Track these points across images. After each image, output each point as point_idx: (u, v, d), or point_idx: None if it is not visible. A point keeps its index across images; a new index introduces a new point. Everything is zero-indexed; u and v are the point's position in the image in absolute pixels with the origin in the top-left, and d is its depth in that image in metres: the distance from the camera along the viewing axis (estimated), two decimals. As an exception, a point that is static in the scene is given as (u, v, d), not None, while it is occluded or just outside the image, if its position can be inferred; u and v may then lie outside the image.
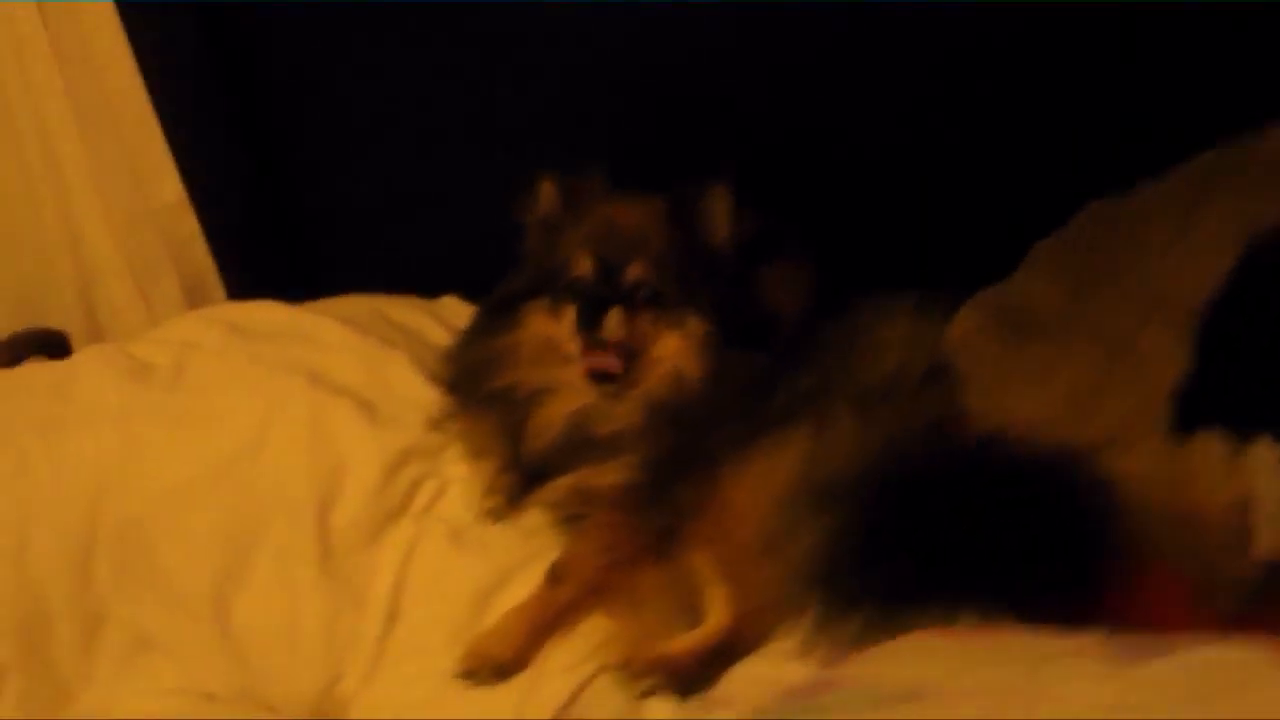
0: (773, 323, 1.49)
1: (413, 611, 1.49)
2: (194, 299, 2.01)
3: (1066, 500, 1.19)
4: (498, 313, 1.62)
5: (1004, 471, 1.22)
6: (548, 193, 1.59)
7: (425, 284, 1.93)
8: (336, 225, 2.04)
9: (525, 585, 1.46)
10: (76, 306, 2.05)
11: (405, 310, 1.82)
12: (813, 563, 1.28)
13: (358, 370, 1.66)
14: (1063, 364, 1.32)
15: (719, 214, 1.49)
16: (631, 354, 1.48)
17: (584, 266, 1.51)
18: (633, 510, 1.45)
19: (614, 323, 1.46)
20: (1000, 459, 1.24)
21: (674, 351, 1.48)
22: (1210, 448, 1.21)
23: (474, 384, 1.62)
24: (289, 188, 2.01)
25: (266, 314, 1.77)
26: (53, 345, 2.04)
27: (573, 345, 1.51)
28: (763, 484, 1.36)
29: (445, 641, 1.44)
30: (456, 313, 1.84)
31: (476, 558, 1.51)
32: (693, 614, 1.39)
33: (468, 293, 1.89)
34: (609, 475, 1.47)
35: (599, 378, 1.49)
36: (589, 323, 1.46)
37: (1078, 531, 1.18)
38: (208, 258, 1.99)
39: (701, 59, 1.73)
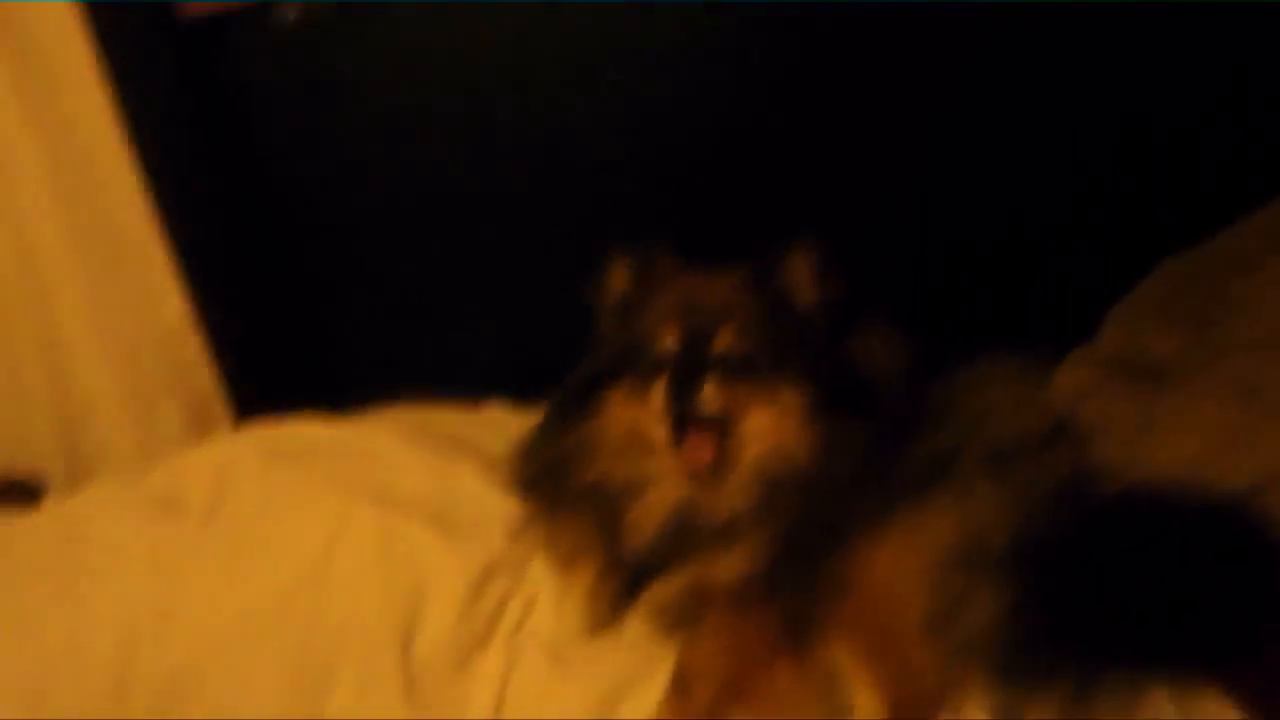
0: (872, 390, 1.43)
1: (517, 743, 1.33)
2: (198, 429, 1.84)
3: (1239, 548, 1.14)
4: (573, 403, 1.51)
5: (1174, 521, 1.17)
6: (620, 271, 1.53)
7: (457, 393, 1.81)
8: (355, 338, 1.92)
9: (643, 703, 1.32)
10: (56, 444, 1.86)
11: (451, 421, 1.70)
12: (986, 639, 1.19)
13: (423, 482, 1.52)
14: (1197, 410, 1.29)
15: (804, 276, 1.44)
16: (725, 431, 1.39)
17: (669, 339, 1.42)
18: (758, 602, 1.34)
19: (710, 393, 1.37)
20: (1167, 508, 1.19)
21: (772, 425, 1.40)
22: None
23: (555, 484, 1.50)
24: (302, 300, 1.89)
25: (307, 431, 1.63)
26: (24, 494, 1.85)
27: (661, 431, 1.41)
28: (908, 557, 1.28)
29: (558, 774, 1.29)
30: (505, 419, 1.73)
31: (582, 678, 1.36)
32: (842, 711, 1.28)
33: (510, 396, 1.78)
34: (727, 566, 1.36)
35: (693, 472, 1.40)
36: (681, 394, 1.37)
37: (1254, 581, 1.13)
38: (213, 382, 1.84)
39: (748, 129, 1.70)
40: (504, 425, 1.68)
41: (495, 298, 1.86)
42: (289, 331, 1.89)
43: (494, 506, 1.51)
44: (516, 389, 1.78)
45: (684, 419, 1.38)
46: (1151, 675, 1.13)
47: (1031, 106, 1.58)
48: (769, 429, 1.39)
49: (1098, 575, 1.17)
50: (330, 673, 1.37)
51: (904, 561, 1.28)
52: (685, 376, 1.38)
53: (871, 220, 1.64)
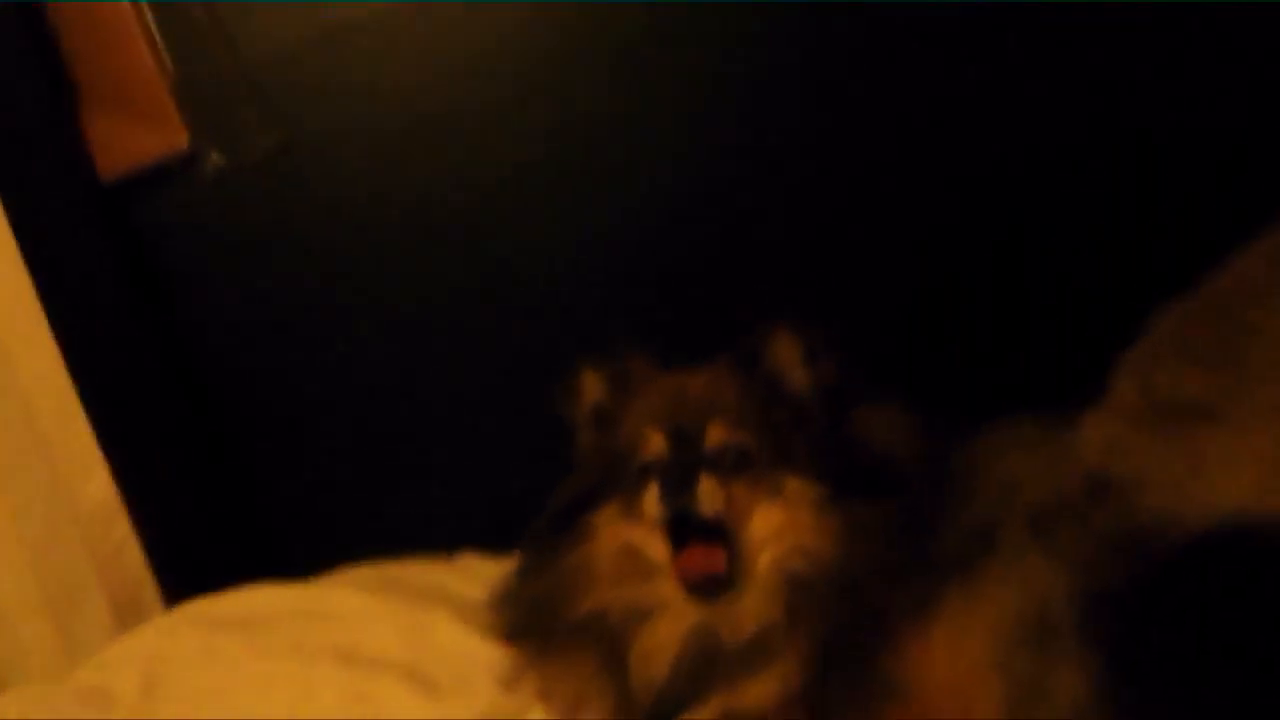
0: (886, 470, 1.29)
1: None
2: (125, 623, 1.62)
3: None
4: (556, 533, 1.35)
5: (1254, 558, 1.04)
6: (592, 382, 1.39)
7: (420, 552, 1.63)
8: (301, 507, 1.74)
9: None
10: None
11: (418, 573, 1.51)
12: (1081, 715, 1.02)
13: (392, 639, 1.32)
14: (1248, 443, 1.18)
15: (791, 358, 1.30)
16: (730, 537, 1.23)
17: (655, 442, 1.27)
18: (801, 724, 1.16)
19: (707, 488, 1.20)
20: (1243, 545, 1.06)
21: (782, 522, 1.23)
22: None
23: (545, 624, 1.31)
24: (240, 470, 1.72)
25: (254, 599, 1.43)
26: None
27: (658, 548, 1.24)
28: (968, 645, 1.11)
29: None
30: (479, 567, 1.53)
31: (604, 842, 1.15)
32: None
33: (482, 548, 1.60)
34: (761, 692, 1.17)
35: (699, 588, 1.23)
36: (675, 495, 1.20)
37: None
38: (143, 568, 1.63)
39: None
40: (479, 573, 1.49)
41: (453, 445, 1.71)
42: (226, 506, 1.71)
43: (477, 656, 1.31)
44: (488, 541, 1.59)
45: (683, 525, 1.21)
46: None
47: (1020, 160, 1.54)
48: (780, 527, 1.23)
49: (1197, 625, 1.02)
50: None
51: (964, 650, 1.12)
52: (677, 476, 1.22)
53: (857, 300, 1.55)
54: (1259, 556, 1.04)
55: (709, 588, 1.22)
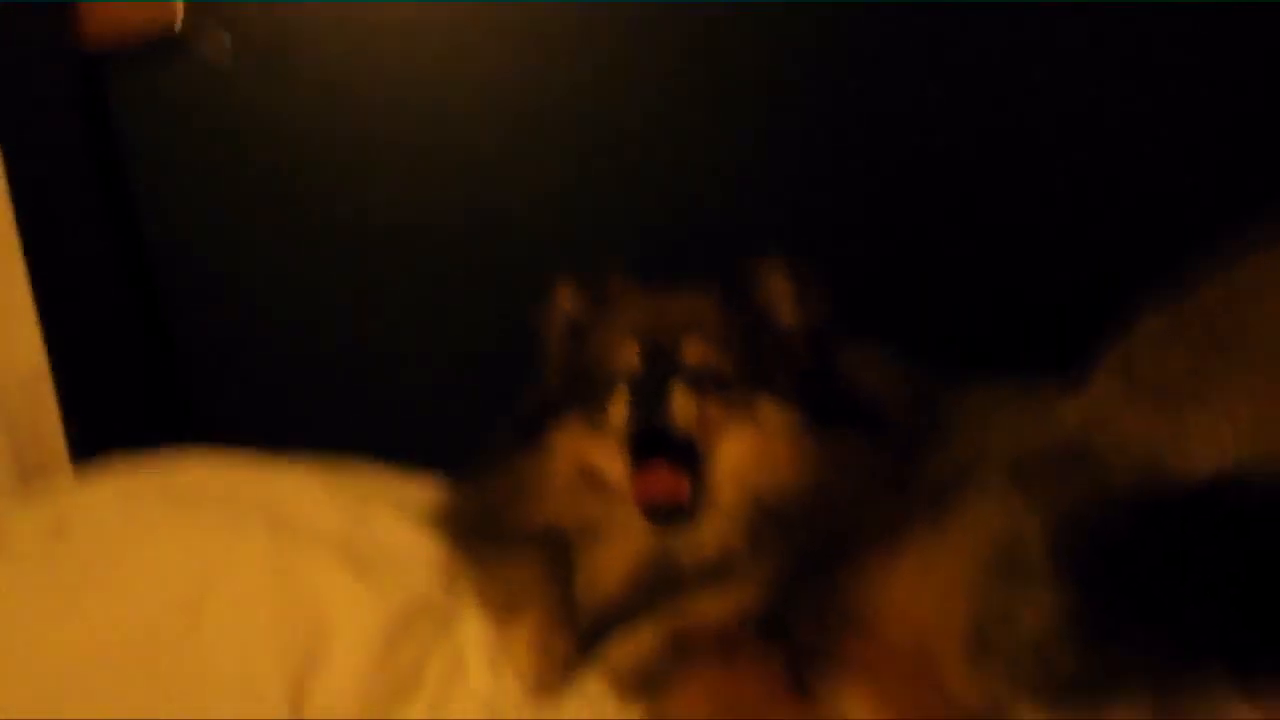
0: (870, 410, 1.26)
1: (445, 824, 1.02)
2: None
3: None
4: (516, 441, 1.29)
5: (1237, 511, 1.03)
6: (567, 295, 1.34)
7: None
8: (239, 411, 1.65)
9: (609, 770, 1.04)
10: None
11: (365, 472, 1.42)
12: (1041, 653, 0.99)
13: (331, 517, 1.25)
14: (1231, 418, 1.18)
15: (783, 294, 1.27)
16: (698, 458, 1.19)
17: (629, 353, 1.22)
18: (753, 647, 1.10)
19: (681, 402, 1.16)
20: (1226, 499, 1.05)
21: (755, 447, 1.19)
22: None
23: (492, 529, 1.25)
24: (180, 364, 1.63)
25: (186, 463, 1.33)
26: None
27: (618, 468, 1.20)
28: (934, 576, 1.08)
29: None
30: (430, 483, 1.42)
31: (529, 743, 1.08)
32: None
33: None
34: (714, 607, 1.13)
35: (658, 514, 1.17)
36: (646, 405, 1.16)
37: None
38: (60, 447, 1.53)
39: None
40: (429, 487, 1.41)
41: (409, 360, 1.64)
42: (164, 401, 1.62)
43: (415, 549, 1.24)
44: (436, 462, 1.49)
45: (649, 439, 1.17)
46: (1232, 679, 0.95)
47: (1026, 124, 1.54)
48: (752, 451, 1.19)
49: (1165, 576, 1.00)
50: (194, 730, 1.04)
51: (927, 583, 1.08)
52: (650, 386, 1.18)
53: (857, 244, 1.53)
54: (1243, 504, 1.03)
55: (667, 515, 1.17)
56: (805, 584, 1.12)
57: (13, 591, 1.12)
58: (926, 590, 1.08)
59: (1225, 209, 1.31)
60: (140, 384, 1.60)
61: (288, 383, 1.65)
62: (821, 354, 1.27)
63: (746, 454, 1.20)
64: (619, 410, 1.19)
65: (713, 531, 1.17)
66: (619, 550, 1.19)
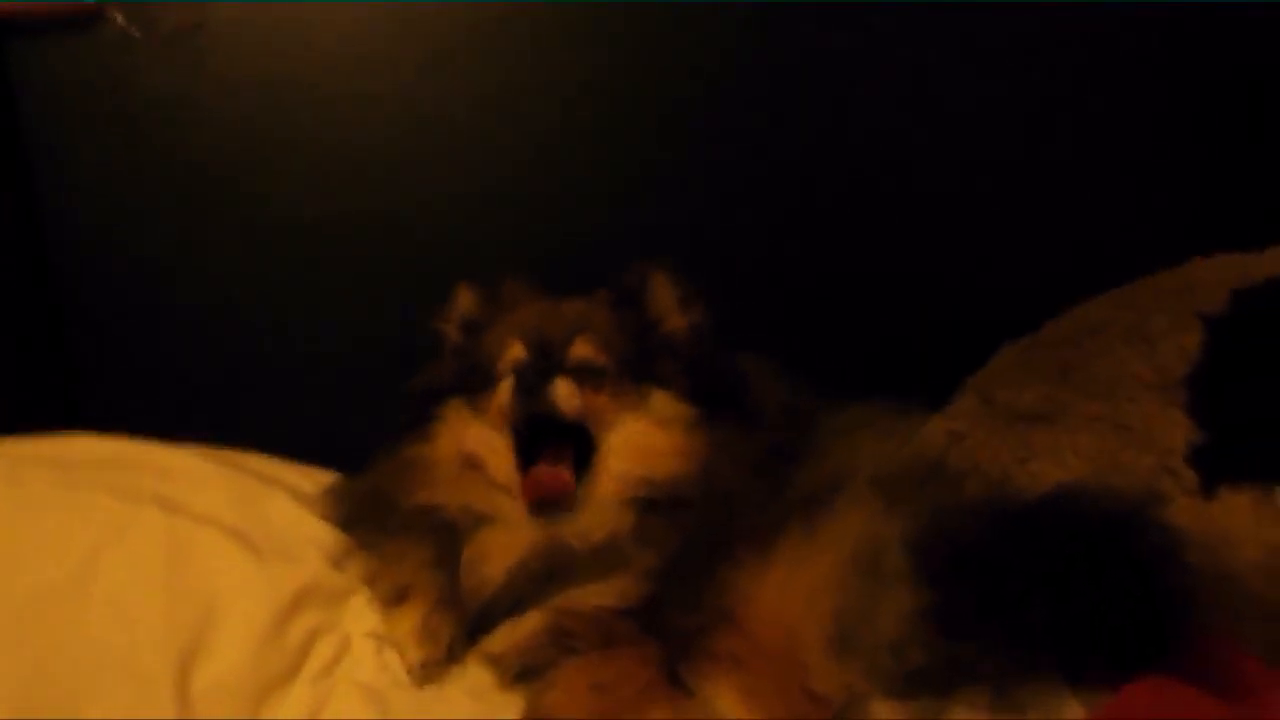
0: (754, 410, 1.33)
1: (324, 802, 1.04)
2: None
3: (1142, 548, 1.11)
4: (404, 427, 1.34)
5: (1072, 524, 1.13)
6: (466, 297, 1.40)
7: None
8: (133, 399, 1.63)
9: (486, 754, 1.09)
10: None
11: (258, 460, 1.43)
12: (895, 649, 1.07)
13: (224, 501, 1.25)
14: (1075, 441, 1.28)
15: (667, 298, 1.35)
16: (589, 443, 1.25)
17: (516, 349, 1.29)
18: (631, 639, 1.16)
19: (565, 390, 1.22)
20: (1063, 513, 1.15)
21: (645, 435, 1.26)
22: (1238, 501, 1.20)
23: (380, 513, 1.29)
24: (74, 342, 1.61)
25: (76, 443, 1.32)
26: None
27: (503, 459, 1.25)
28: (800, 577, 1.15)
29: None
30: (317, 475, 1.44)
31: (410, 725, 1.11)
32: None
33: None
34: (598, 596, 1.18)
35: (544, 507, 1.22)
36: (531, 390, 1.21)
37: (1158, 584, 1.10)
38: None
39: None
40: (317, 479, 1.43)
41: (309, 357, 1.65)
42: (56, 383, 1.59)
43: (308, 533, 1.26)
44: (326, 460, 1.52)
45: (536, 427, 1.22)
46: (1065, 677, 1.06)
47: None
48: (642, 439, 1.25)
49: (1007, 580, 1.09)
50: (77, 707, 1.04)
51: (796, 582, 1.15)
52: (534, 375, 1.23)
53: (752, 263, 1.62)
54: (1078, 518, 1.13)
55: (553, 507, 1.22)
56: (684, 578, 1.18)
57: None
58: (795, 590, 1.15)
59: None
60: (29, 368, 1.57)
61: (181, 374, 1.65)
62: (708, 353, 1.34)
63: (637, 441, 1.26)
64: (504, 397, 1.24)
65: (599, 521, 1.22)
66: (504, 539, 1.24)
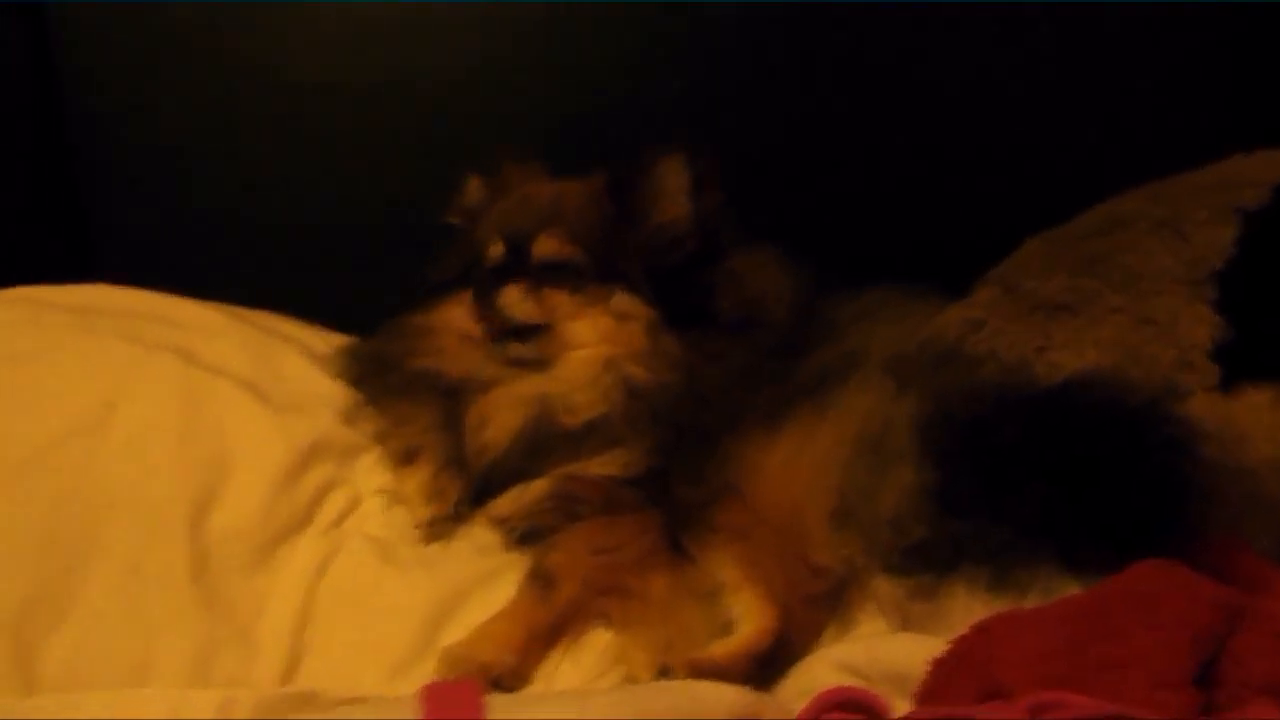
0: (752, 310, 1.32)
1: (332, 644, 1.07)
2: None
3: (1149, 444, 1.11)
4: (415, 301, 1.37)
5: (1087, 413, 1.13)
6: (474, 186, 1.40)
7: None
8: (140, 243, 1.63)
9: (489, 605, 1.11)
10: None
11: (272, 318, 1.44)
12: (897, 525, 1.08)
13: (240, 355, 1.27)
14: (1096, 331, 1.27)
15: (675, 185, 1.30)
16: (548, 331, 1.27)
17: (495, 248, 1.31)
18: (635, 506, 1.18)
19: (510, 298, 1.25)
20: (1079, 402, 1.15)
21: (602, 331, 1.26)
22: (1258, 398, 1.19)
23: (389, 374, 1.31)
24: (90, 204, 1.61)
25: (94, 292, 1.34)
26: None
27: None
28: (807, 452, 1.16)
29: (384, 676, 1.05)
30: (330, 337, 1.45)
31: (417, 578, 1.14)
32: (722, 624, 1.12)
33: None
34: (601, 467, 1.20)
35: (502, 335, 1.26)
36: (481, 300, 1.27)
37: (1170, 474, 1.09)
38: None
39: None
40: (330, 340, 1.44)
41: (326, 226, 1.63)
42: (69, 242, 1.59)
43: (320, 389, 1.28)
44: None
45: (496, 328, 1.26)
46: (1066, 562, 1.06)
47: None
48: (605, 333, 1.26)
49: (1015, 463, 1.10)
50: (93, 546, 1.07)
51: (802, 457, 1.17)
52: (489, 282, 1.27)
53: (761, 145, 1.57)
54: (1090, 407, 1.13)
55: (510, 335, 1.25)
56: (687, 452, 1.20)
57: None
58: (800, 465, 1.16)
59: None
60: (45, 223, 1.57)
61: (198, 238, 1.63)
62: (709, 248, 1.31)
63: (599, 332, 1.26)
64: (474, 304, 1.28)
65: (582, 399, 1.23)
66: (499, 402, 1.25)
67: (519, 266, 1.28)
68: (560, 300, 1.26)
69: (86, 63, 1.62)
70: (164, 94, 1.63)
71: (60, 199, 1.59)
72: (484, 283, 1.28)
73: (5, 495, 1.08)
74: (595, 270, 1.27)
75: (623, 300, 1.26)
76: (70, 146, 1.60)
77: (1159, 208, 1.39)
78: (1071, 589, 1.06)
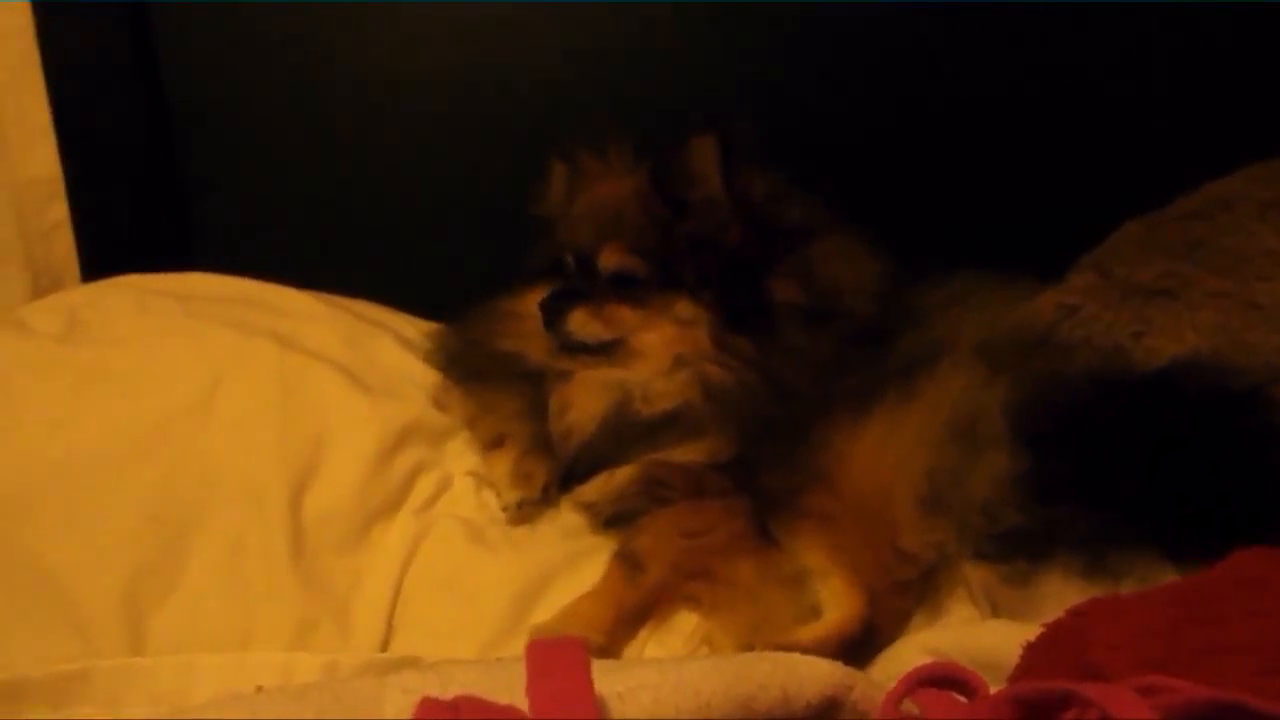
0: (832, 299, 1.29)
1: (423, 621, 1.10)
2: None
3: (1259, 425, 1.08)
4: (504, 290, 1.38)
5: (1188, 398, 1.10)
6: (558, 175, 1.40)
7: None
8: (241, 244, 1.68)
9: (577, 585, 1.12)
10: None
11: (366, 306, 1.48)
12: (988, 511, 1.07)
13: (336, 341, 1.31)
14: (1196, 316, 1.24)
15: (703, 167, 1.26)
16: (619, 345, 1.26)
17: (569, 263, 1.32)
18: (720, 492, 1.18)
19: (578, 322, 1.25)
20: (1179, 387, 1.12)
21: (672, 337, 1.24)
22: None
23: (476, 357, 1.34)
24: (189, 189, 1.66)
25: (196, 280, 1.39)
26: None
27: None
28: (896, 440, 1.15)
29: (474, 654, 1.07)
30: (421, 325, 1.48)
31: (506, 558, 1.16)
32: (808, 611, 1.11)
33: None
34: (686, 454, 1.20)
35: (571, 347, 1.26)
36: (550, 325, 1.26)
37: (1275, 459, 1.06)
38: (71, 257, 1.57)
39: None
40: (424, 327, 1.47)
41: (414, 215, 1.68)
42: (173, 221, 1.65)
43: (413, 375, 1.31)
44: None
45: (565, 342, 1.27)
46: (1164, 550, 1.04)
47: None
48: (667, 343, 1.24)
49: (1112, 449, 1.08)
50: (199, 521, 1.11)
51: (891, 442, 1.15)
52: (556, 306, 1.27)
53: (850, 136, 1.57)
54: (1190, 394, 1.10)
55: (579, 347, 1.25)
56: (774, 441, 1.19)
57: (28, 383, 1.18)
58: (890, 450, 1.15)
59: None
60: (150, 215, 1.63)
61: (293, 229, 1.68)
62: (761, 235, 1.27)
63: (666, 342, 1.24)
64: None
65: (658, 389, 1.23)
66: (579, 390, 1.26)
67: (584, 280, 1.28)
68: (625, 315, 1.26)
69: (188, 62, 1.68)
70: (262, 91, 1.68)
71: (164, 192, 1.64)
72: (551, 302, 1.28)
73: (117, 472, 1.13)
74: (658, 278, 1.26)
75: (686, 308, 1.25)
76: (173, 143, 1.67)
77: (1265, 190, 1.36)
78: (1169, 576, 1.05)
